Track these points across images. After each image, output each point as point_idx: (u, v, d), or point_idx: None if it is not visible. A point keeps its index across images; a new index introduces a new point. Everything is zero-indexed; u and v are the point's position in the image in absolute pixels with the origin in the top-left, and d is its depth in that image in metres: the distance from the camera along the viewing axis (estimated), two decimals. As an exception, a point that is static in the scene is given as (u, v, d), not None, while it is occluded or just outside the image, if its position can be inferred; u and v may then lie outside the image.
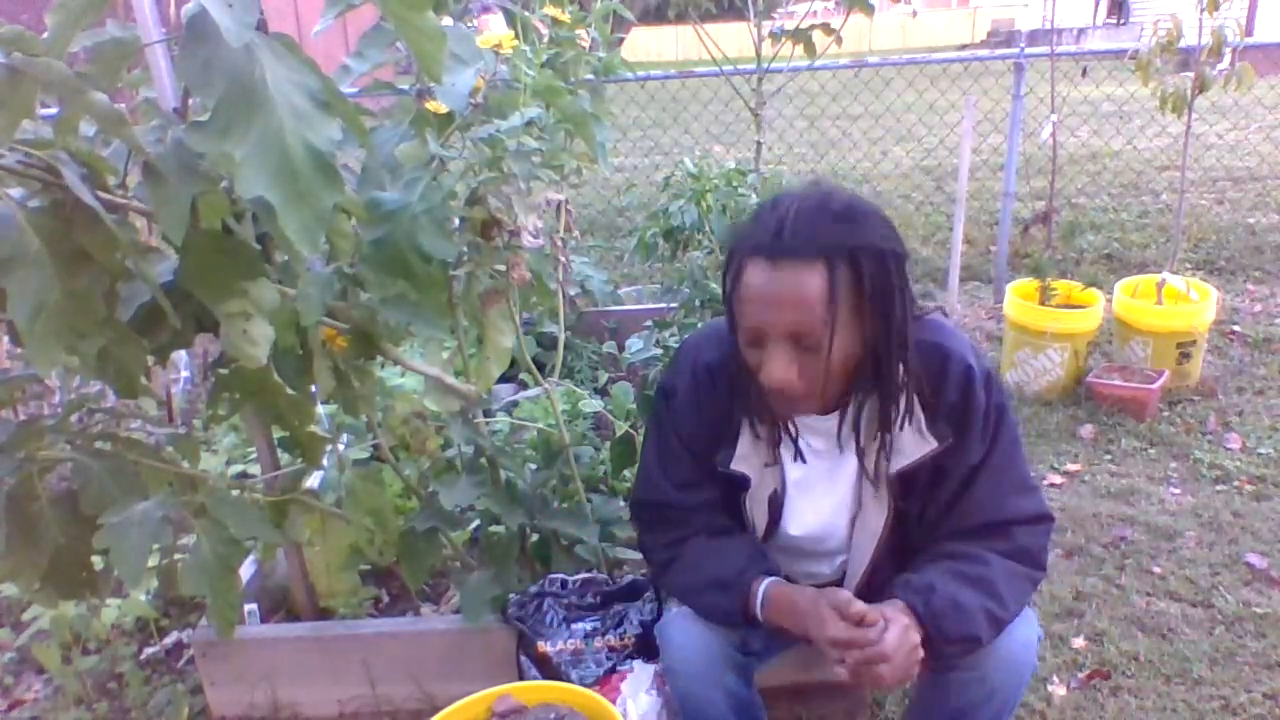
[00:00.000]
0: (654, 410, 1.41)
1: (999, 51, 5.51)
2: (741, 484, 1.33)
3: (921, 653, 1.14)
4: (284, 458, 1.75)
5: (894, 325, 1.16)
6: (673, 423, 1.36)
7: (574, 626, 1.65)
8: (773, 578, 1.28)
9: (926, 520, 1.29)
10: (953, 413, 1.24)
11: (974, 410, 1.24)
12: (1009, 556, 1.23)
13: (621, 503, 2.19)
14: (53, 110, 1.19)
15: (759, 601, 1.26)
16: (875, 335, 1.17)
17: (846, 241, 1.12)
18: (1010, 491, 1.27)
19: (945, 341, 1.25)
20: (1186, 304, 3.09)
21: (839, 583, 1.42)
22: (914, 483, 1.27)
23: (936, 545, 1.27)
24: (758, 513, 1.35)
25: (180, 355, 2.99)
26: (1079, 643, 1.92)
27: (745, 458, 1.31)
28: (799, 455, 1.32)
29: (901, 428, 1.24)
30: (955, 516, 1.26)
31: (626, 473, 2.24)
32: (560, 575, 1.73)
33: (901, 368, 1.20)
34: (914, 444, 1.24)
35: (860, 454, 1.28)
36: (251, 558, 1.98)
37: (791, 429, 1.30)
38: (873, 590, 1.36)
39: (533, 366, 1.80)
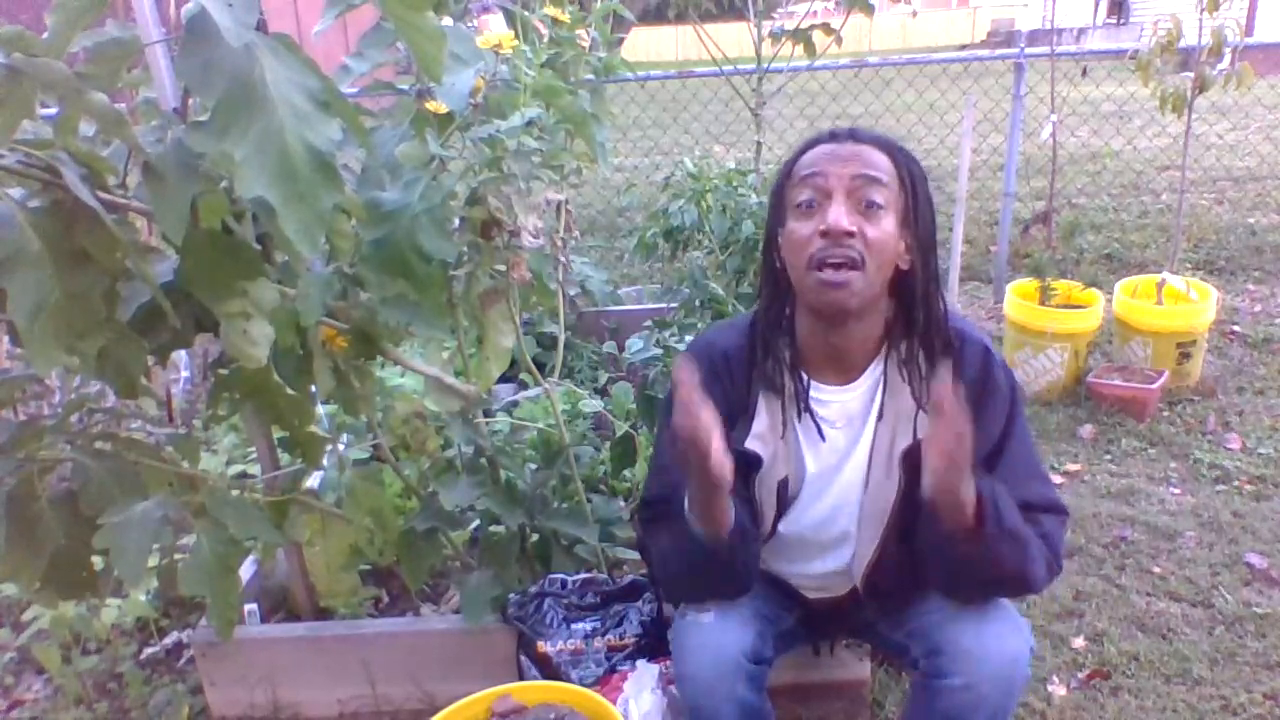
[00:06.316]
0: (665, 406, 1.41)
1: (999, 51, 5.51)
2: (755, 464, 1.33)
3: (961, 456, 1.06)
4: (284, 458, 1.75)
5: (930, 262, 1.24)
6: None
7: (574, 626, 1.65)
8: None
9: None
10: (971, 389, 1.24)
11: (992, 389, 1.27)
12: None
13: (622, 503, 2.20)
14: (53, 110, 1.19)
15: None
16: (913, 263, 1.23)
17: (904, 152, 1.23)
18: (1029, 477, 1.28)
19: (962, 326, 1.31)
20: (1186, 304, 3.09)
21: (848, 580, 1.42)
22: None
23: None
24: (767, 501, 1.35)
25: (180, 355, 2.99)
26: (1079, 643, 1.92)
27: (760, 436, 1.32)
28: (820, 432, 1.32)
29: (925, 391, 1.25)
30: None
31: (626, 473, 2.24)
32: (560, 575, 1.74)
33: (931, 318, 1.24)
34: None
35: (878, 427, 1.30)
36: (251, 558, 1.98)
37: (805, 388, 1.32)
38: (880, 576, 1.37)
39: (533, 366, 1.80)
